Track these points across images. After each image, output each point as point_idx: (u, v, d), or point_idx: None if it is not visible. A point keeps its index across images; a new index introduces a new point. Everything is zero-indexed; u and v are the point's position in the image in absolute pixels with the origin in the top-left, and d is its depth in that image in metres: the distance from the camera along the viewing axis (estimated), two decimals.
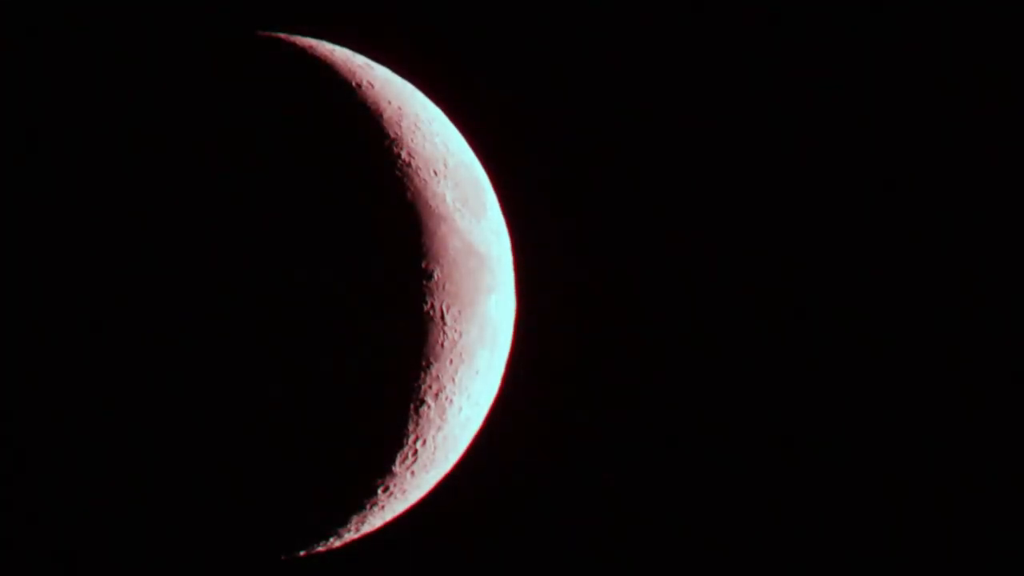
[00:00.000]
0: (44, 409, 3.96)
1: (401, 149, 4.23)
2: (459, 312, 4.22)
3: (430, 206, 4.19)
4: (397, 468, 4.26)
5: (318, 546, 4.51)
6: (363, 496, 4.29)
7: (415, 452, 4.26)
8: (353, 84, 4.31)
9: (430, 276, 4.11)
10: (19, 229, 3.95)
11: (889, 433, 6.28)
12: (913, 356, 6.29)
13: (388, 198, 4.08)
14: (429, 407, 4.20)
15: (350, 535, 4.53)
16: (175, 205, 3.85)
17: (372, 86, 4.37)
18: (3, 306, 3.94)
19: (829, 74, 6.30)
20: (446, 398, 4.25)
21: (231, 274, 3.82)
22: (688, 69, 6.28)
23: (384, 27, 5.96)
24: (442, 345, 4.17)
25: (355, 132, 4.16)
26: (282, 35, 4.44)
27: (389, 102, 4.36)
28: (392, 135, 4.25)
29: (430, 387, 4.17)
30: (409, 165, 4.21)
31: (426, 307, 4.10)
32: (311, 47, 4.40)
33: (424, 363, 4.12)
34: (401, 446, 4.20)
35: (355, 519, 4.39)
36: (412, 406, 4.15)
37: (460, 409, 4.35)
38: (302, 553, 4.53)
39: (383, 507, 4.42)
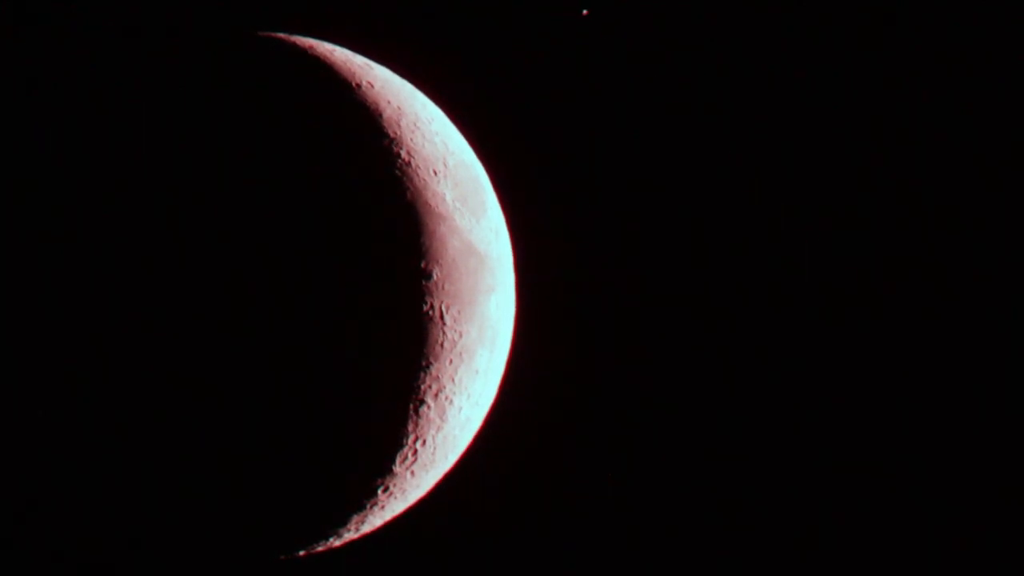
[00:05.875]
0: (44, 409, 3.96)
1: (401, 149, 4.23)
2: (459, 312, 4.22)
3: (430, 206, 4.19)
4: (397, 468, 4.26)
5: (318, 546, 4.51)
6: (363, 496, 4.29)
7: (415, 452, 4.26)
8: (353, 84, 4.31)
9: (430, 276, 4.11)
10: (18, 229, 3.95)
11: (889, 433, 6.28)
12: (912, 357, 6.29)
13: (388, 198, 4.08)
14: (429, 407, 4.20)
15: (350, 535, 4.52)
16: (173, 205, 3.85)
17: (372, 86, 4.37)
18: (2, 306, 3.94)
19: (829, 74, 6.30)
20: (446, 398, 4.25)
21: (230, 274, 3.82)
22: (688, 69, 6.28)
23: (384, 27, 5.96)
24: (442, 345, 4.16)
25: (355, 132, 4.16)
26: (282, 35, 4.44)
27: (389, 102, 4.36)
28: (392, 135, 4.25)
29: (430, 387, 4.17)
30: (409, 165, 4.21)
31: (426, 307, 4.10)
32: (311, 47, 4.40)
33: (424, 363, 4.12)
34: (401, 446, 4.20)
35: (355, 519, 4.39)
36: (412, 406, 4.14)
37: (460, 409, 4.35)
38: (302, 553, 4.53)
39: (383, 507, 4.42)
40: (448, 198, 4.27)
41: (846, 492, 6.27)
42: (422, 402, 4.17)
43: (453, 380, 4.25)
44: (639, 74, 6.27)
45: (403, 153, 4.22)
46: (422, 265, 4.10)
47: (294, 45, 4.37)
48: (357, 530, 4.50)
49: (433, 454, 4.35)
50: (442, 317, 4.15)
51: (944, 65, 6.27)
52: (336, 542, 4.53)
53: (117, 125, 4.00)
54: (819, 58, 6.29)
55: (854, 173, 6.32)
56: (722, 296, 6.29)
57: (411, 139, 4.29)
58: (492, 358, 4.46)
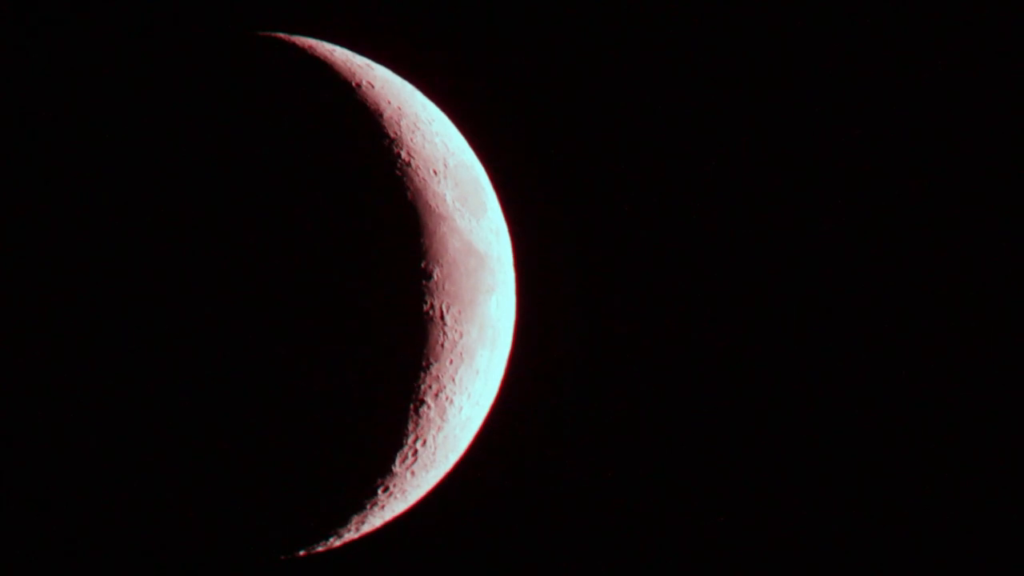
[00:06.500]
0: (44, 408, 3.96)
1: (401, 149, 4.23)
2: (459, 312, 4.22)
3: (430, 206, 4.19)
4: (397, 468, 4.26)
5: (318, 546, 4.51)
6: (363, 496, 4.29)
7: (415, 452, 4.26)
8: (353, 84, 4.31)
9: (430, 276, 4.11)
10: (19, 230, 3.95)
11: (889, 434, 6.28)
12: (912, 357, 6.29)
13: (388, 198, 4.08)
14: (429, 407, 4.20)
15: (350, 535, 4.53)
16: (174, 205, 3.85)
17: (372, 86, 4.37)
18: (3, 305, 3.94)
19: (829, 74, 6.30)
20: (446, 398, 4.25)
21: (230, 274, 3.82)
22: (688, 69, 6.28)
23: (384, 27, 5.96)
24: (442, 345, 4.17)
25: (355, 132, 4.16)
26: (282, 35, 4.44)
27: (389, 102, 4.36)
28: (392, 135, 4.25)
29: (430, 387, 4.17)
30: (409, 165, 4.21)
31: (426, 307, 4.10)
32: (311, 47, 4.40)
33: (424, 363, 4.12)
34: (401, 446, 4.20)
35: (355, 519, 4.39)
36: (412, 406, 4.15)
37: (460, 409, 4.35)
38: (302, 553, 4.53)
39: (383, 507, 4.42)
40: (448, 198, 4.27)
41: (846, 491, 6.27)
42: (422, 402, 4.17)
43: (453, 380, 4.25)
44: (639, 74, 6.27)
45: (403, 153, 4.22)
46: (422, 265, 4.10)
47: (294, 45, 4.38)
48: (357, 530, 4.50)
49: (433, 454, 4.35)
50: (442, 317, 4.15)
51: (944, 65, 6.28)
52: (336, 542, 4.54)
53: (116, 125, 3.99)
54: (818, 58, 6.29)
55: (855, 174, 6.32)
56: (723, 296, 6.29)
57: (411, 139, 4.29)
58: (492, 358, 4.46)
